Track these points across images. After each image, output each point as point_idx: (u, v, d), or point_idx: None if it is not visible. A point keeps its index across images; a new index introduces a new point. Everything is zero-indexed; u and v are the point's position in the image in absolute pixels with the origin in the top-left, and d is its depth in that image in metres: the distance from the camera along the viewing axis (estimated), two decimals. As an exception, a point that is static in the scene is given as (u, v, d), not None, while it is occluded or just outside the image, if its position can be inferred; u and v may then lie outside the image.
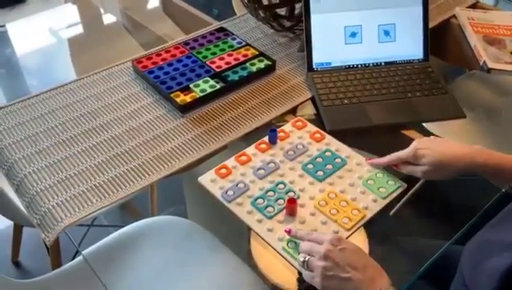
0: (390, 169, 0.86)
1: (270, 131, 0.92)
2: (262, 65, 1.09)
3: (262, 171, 0.86)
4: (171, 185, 1.10)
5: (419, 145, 0.79)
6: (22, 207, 0.86)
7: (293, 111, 1.03)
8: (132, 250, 0.96)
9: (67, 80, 1.07)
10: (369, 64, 1.10)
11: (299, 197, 0.82)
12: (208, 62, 1.09)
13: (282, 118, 1.01)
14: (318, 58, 1.09)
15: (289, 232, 0.73)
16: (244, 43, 1.15)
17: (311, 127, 0.96)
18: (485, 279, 0.59)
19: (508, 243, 0.59)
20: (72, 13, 1.89)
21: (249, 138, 0.95)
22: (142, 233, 0.99)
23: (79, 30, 1.85)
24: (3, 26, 2.52)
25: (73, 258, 1.01)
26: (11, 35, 2.50)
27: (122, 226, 1.01)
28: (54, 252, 1.21)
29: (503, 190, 0.75)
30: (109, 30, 1.80)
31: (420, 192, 0.92)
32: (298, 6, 1.19)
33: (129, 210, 1.44)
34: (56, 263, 1.22)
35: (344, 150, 0.91)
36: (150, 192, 1.47)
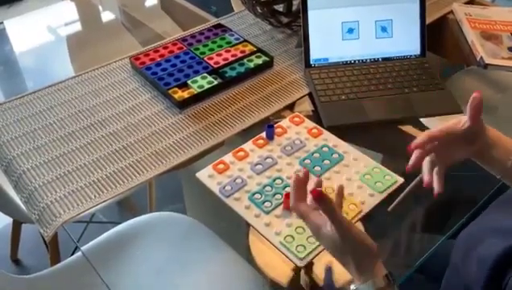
0: (387, 164, 0.86)
1: (267, 127, 0.92)
2: (259, 61, 1.09)
3: (259, 167, 0.87)
4: (169, 181, 1.11)
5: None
6: (20, 203, 0.86)
7: (291, 107, 1.03)
8: (131, 247, 0.96)
9: (65, 77, 1.07)
10: (366, 59, 1.10)
11: (296, 192, 0.82)
12: (205, 58, 1.09)
13: (279, 114, 1.01)
14: (315, 54, 1.09)
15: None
16: (242, 40, 1.16)
17: (309, 123, 0.96)
18: (477, 267, 0.59)
19: (503, 229, 0.59)
20: (70, 10, 1.90)
21: (247, 133, 0.95)
22: (141, 229, 0.99)
23: (77, 27, 1.86)
24: (1, 23, 2.51)
25: (72, 255, 1.01)
26: (9, 32, 2.50)
27: (121, 223, 1.02)
28: (53, 249, 1.22)
29: (498, 177, 0.75)
30: (108, 27, 1.80)
31: (418, 186, 0.92)
32: (295, 3, 1.20)
33: (127, 207, 1.44)
34: (55, 260, 1.22)
35: (341, 145, 0.91)
36: (148, 188, 1.47)
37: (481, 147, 0.73)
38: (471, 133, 0.72)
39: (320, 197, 0.59)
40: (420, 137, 0.72)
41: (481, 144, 0.73)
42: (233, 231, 0.91)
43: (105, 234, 0.99)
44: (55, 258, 1.23)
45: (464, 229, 0.68)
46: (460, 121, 0.72)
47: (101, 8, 1.85)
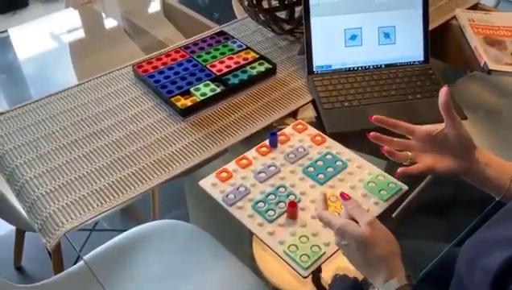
0: (391, 171, 0.86)
1: (270, 134, 0.92)
2: (262, 68, 1.09)
3: (262, 175, 0.86)
4: (172, 189, 1.10)
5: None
6: (23, 211, 0.86)
7: (293, 114, 1.03)
8: (134, 255, 0.96)
9: (69, 84, 1.07)
10: (369, 66, 1.10)
11: (299, 201, 0.82)
12: (208, 66, 1.09)
13: (282, 121, 1.01)
14: (318, 61, 1.09)
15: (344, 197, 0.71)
16: (244, 47, 1.16)
17: (312, 130, 0.96)
18: (481, 277, 0.59)
19: (503, 240, 0.60)
20: (73, 18, 1.90)
21: (250, 141, 0.95)
22: (144, 237, 0.99)
23: (80, 34, 1.85)
24: (5, 31, 2.52)
25: (75, 263, 1.01)
26: (13, 40, 2.50)
27: (124, 230, 1.01)
28: (56, 257, 1.21)
29: (497, 198, 0.75)
30: (111, 34, 1.80)
31: (422, 194, 0.92)
32: (298, 9, 1.19)
33: (130, 214, 1.44)
34: (58, 268, 1.22)
35: (344, 152, 0.91)
36: (151, 195, 1.47)
37: (472, 164, 0.74)
38: (453, 142, 0.73)
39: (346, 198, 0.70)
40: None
41: (471, 161, 0.74)
42: (237, 239, 0.90)
43: (108, 243, 0.99)
44: (58, 265, 1.22)
45: (469, 239, 0.68)
46: (438, 126, 0.75)
47: (104, 15, 1.85)
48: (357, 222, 0.67)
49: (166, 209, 1.54)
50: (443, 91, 0.71)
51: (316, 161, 0.89)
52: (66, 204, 0.81)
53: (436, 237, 0.89)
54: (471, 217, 0.83)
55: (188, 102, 1.00)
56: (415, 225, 0.90)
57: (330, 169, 0.87)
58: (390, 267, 0.64)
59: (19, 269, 1.61)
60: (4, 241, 1.68)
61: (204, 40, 1.19)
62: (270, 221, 0.78)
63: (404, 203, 0.82)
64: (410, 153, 0.79)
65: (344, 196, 0.70)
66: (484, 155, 0.75)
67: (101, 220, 1.07)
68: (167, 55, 1.13)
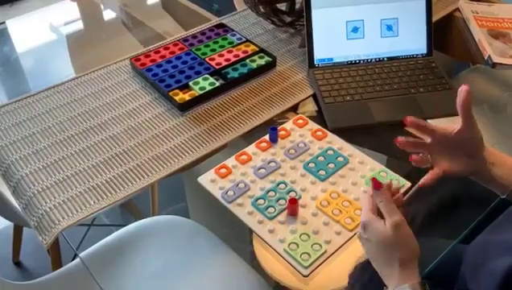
0: (393, 167, 0.84)
1: (270, 129, 0.90)
2: (262, 62, 1.07)
3: (262, 171, 0.85)
4: (172, 183, 1.09)
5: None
6: (19, 208, 0.85)
7: (294, 108, 1.01)
8: (132, 251, 0.95)
9: (67, 77, 1.06)
10: (371, 59, 1.08)
11: (300, 197, 0.80)
12: (207, 59, 1.07)
13: (283, 116, 0.99)
14: (319, 54, 1.07)
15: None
16: (244, 40, 1.14)
17: (313, 125, 0.94)
18: (488, 281, 0.58)
19: (509, 243, 0.58)
20: (72, 9, 1.88)
21: (250, 136, 0.93)
22: (143, 233, 0.98)
23: (78, 26, 1.84)
24: (3, 23, 2.50)
25: (73, 259, 1.00)
26: (11, 32, 2.48)
27: (123, 225, 1.00)
28: (54, 253, 1.20)
29: (502, 197, 0.73)
30: (109, 27, 1.78)
31: (425, 190, 0.90)
32: (298, 1, 1.18)
33: (129, 209, 1.43)
34: (57, 263, 1.21)
35: (346, 148, 0.89)
36: (150, 190, 1.45)
37: (481, 164, 0.72)
38: (467, 142, 0.71)
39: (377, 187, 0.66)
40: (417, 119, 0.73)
41: (480, 161, 0.72)
42: (238, 235, 0.89)
43: (106, 239, 0.98)
44: (57, 261, 1.21)
45: (473, 242, 0.67)
46: (454, 126, 0.71)
47: (102, 7, 1.83)
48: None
49: (165, 203, 1.53)
50: (464, 89, 0.67)
51: (317, 157, 0.87)
52: (62, 201, 0.80)
53: (439, 233, 0.88)
54: (476, 213, 0.81)
55: (187, 96, 0.98)
56: (418, 220, 0.89)
57: (331, 165, 0.85)
58: (405, 271, 0.62)
59: (18, 264, 1.60)
60: (2, 236, 1.67)
61: (203, 33, 1.17)
62: (271, 219, 0.77)
63: (405, 196, 0.80)
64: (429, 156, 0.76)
65: (376, 185, 0.66)
66: (490, 153, 0.73)
67: (99, 215, 1.06)
68: (166, 48, 1.11)
